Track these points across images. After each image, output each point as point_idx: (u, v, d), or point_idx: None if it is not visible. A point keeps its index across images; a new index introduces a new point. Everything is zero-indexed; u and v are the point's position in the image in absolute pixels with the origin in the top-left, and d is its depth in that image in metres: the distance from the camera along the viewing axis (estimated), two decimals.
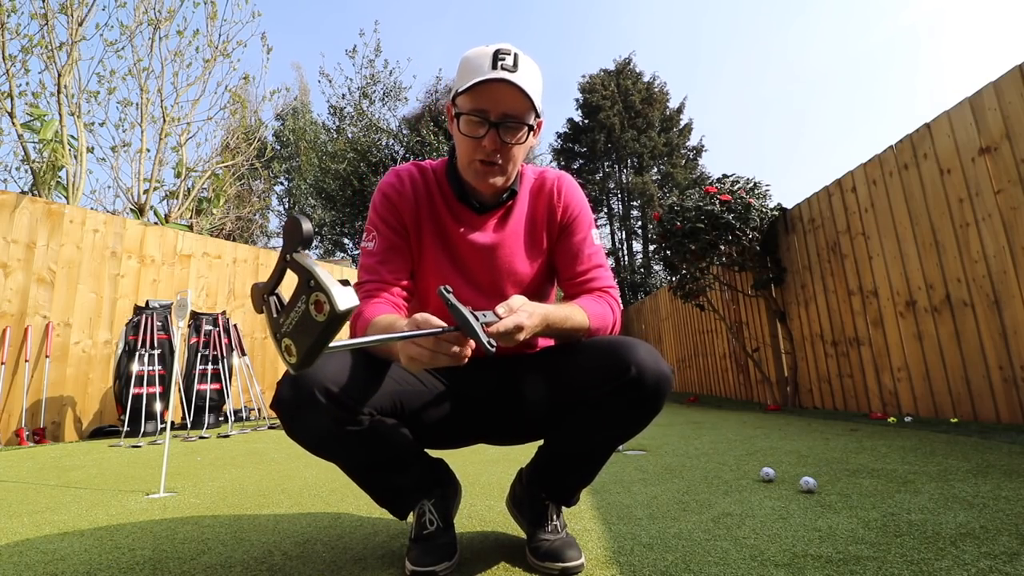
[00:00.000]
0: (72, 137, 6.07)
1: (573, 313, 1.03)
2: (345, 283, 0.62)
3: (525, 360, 1.15)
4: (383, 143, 12.41)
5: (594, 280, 1.16)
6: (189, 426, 4.56)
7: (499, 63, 1.00)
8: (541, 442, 1.18)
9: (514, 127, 1.04)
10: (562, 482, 1.15)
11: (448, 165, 1.17)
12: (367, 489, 1.09)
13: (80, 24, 5.96)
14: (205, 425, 4.60)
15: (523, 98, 1.01)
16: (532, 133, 1.07)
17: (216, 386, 4.85)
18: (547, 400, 1.07)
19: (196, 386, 4.74)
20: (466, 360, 0.81)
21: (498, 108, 1.02)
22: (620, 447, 1.12)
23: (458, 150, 1.11)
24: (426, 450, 1.16)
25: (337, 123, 13.74)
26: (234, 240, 11.29)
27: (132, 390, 4.29)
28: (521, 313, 0.89)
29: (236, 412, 5.26)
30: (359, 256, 1.14)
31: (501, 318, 0.85)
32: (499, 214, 1.16)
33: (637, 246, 20.27)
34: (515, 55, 1.01)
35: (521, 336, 0.88)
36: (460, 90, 1.03)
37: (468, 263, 1.14)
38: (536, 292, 1.18)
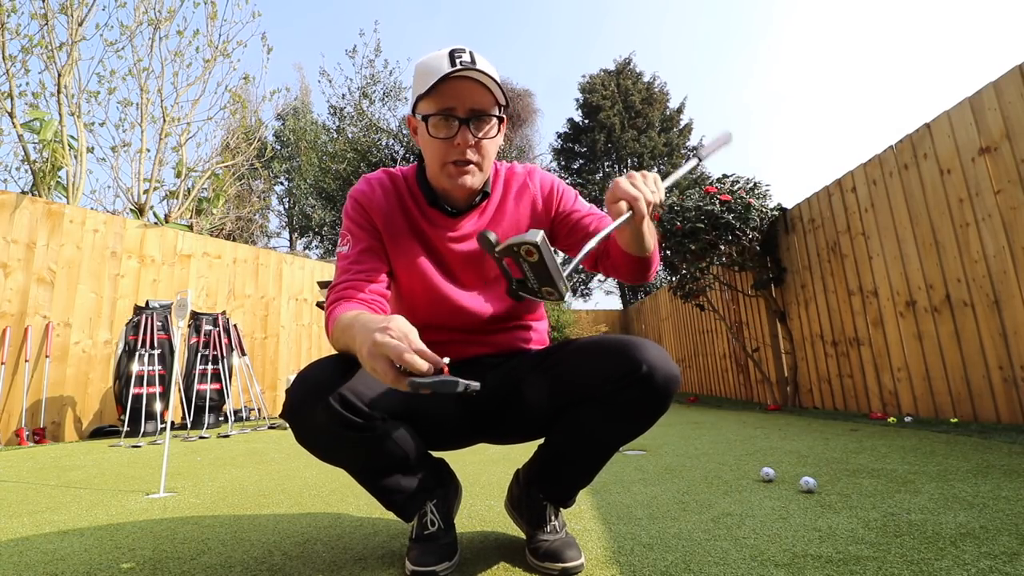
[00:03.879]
0: (72, 137, 6.07)
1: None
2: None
3: (530, 358, 1.15)
4: (383, 143, 12.41)
5: None
6: (189, 426, 4.57)
7: (457, 60, 0.99)
8: (540, 442, 1.18)
9: (484, 121, 1.03)
10: (560, 483, 1.15)
11: (418, 171, 1.15)
12: (374, 492, 1.09)
13: (80, 24, 5.95)
14: (205, 425, 4.60)
15: (487, 92, 1.01)
16: (500, 126, 1.08)
17: (216, 386, 4.85)
18: (552, 398, 1.07)
19: (196, 386, 4.74)
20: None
21: (465, 104, 1.01)
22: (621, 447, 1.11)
23: (428, 157, 1.09)
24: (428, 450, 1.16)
25: (337, 123, 13.74)
26: (234, 240, 11.29)
27: (132, 390, 4.29)
28: (657, 196, 0.93)
29: (236, 412, 5.26)
30: (336, 261, 1.14)
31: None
32: (475, 214, 1.15)
33: None
34: (470, 52, 1.01)
35: (646, 208, 0.91)
36: (422, 94, 1.01)
37: (450, 264, 1.14)
38: None
